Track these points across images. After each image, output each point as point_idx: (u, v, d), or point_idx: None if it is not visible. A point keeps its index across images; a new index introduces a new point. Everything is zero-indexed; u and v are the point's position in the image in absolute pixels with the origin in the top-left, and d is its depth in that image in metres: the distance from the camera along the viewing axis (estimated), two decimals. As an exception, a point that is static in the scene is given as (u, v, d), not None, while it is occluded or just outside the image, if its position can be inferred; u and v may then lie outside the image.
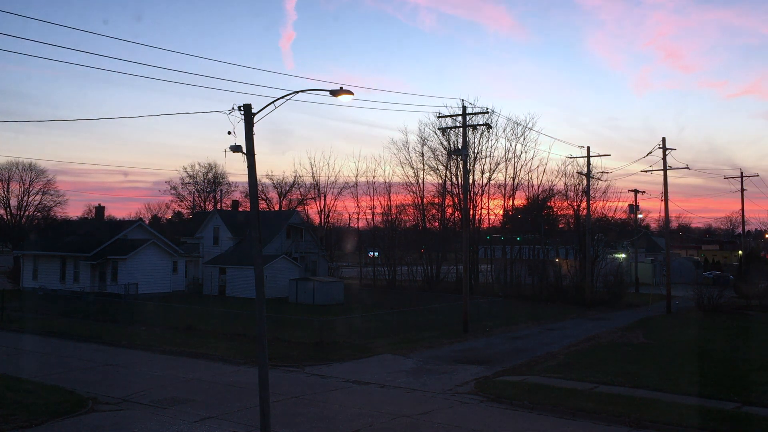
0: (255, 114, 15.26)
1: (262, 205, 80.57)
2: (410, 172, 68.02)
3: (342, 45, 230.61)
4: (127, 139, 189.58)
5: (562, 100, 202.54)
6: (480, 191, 64.65)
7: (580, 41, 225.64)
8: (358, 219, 73.95)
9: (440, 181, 66.79)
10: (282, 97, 15.43)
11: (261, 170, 66.55)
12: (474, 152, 62.31)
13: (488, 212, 68.33)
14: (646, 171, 50.97)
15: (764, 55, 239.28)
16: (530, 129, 64.54)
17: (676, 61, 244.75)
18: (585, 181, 51.76)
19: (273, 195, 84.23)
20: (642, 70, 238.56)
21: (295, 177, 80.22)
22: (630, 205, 67.81)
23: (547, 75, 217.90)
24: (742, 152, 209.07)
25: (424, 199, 68.33)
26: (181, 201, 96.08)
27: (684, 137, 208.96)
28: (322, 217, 72.81)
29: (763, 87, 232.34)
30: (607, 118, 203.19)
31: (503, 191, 65.33)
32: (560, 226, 65.26)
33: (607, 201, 60.35)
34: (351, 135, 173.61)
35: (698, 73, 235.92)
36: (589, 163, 50.59)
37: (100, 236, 54.23)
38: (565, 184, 60.94)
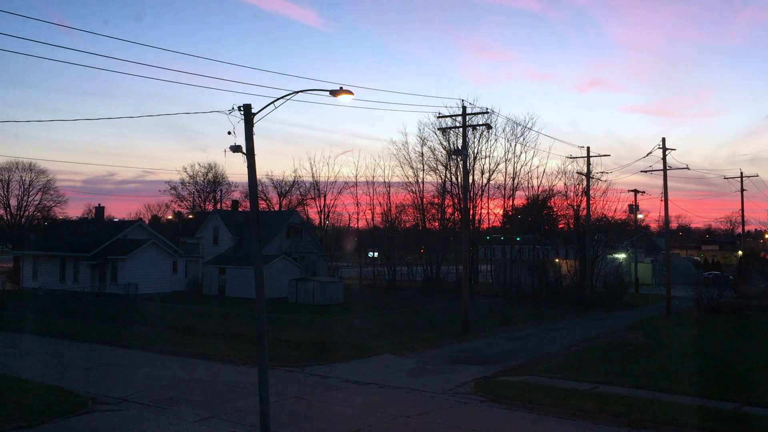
0: (255, 114, 15.27)
1: (262, 205, 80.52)
2: (410, 172, 68.00)
3: (342, 44, 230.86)
4: (128, 139, 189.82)
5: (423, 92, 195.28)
6: (480, 191, 64.66)
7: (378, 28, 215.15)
8: (357, 219, 73.95)
9: (440, 181, 66.85)
10: (282, 97, 15.43)
11: (261, 170, 66.58)
12: (474, 152, 62.31)
13: (488, 212, 68.35)
14: (645, 171, 50.91)
15: (573, 42, 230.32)
16: (530, 129, 64.59)
17: (480, 49, 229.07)
18: (585, 181, 51.77)
19: (273, 195, 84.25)
20: (463, 62, 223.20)
21: (295, 177, 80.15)
22: (630, 206, 67.82)
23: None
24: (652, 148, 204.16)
25: (424, 199, 68.36)
26: (181, 201, 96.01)
27: (584, 134, 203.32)
28: (322, 217, 72.80)
29: (604, 78, 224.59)
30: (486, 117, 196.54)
31: (503, 191, 65.32)
32: (560, 226, 65.21)
33: (606, 201, 60.41)
34: (351, 135, 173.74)
35: (515, 62, 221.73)
36: (588, 163, 50.63)
37: (100, 236, 54.22)
38: (565, 184, 60.84)
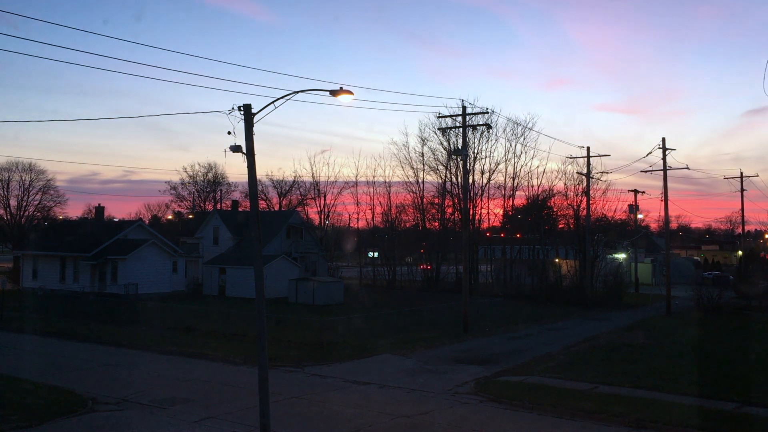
0: (255, 114, 15.27)
1: (262, 205, 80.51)
2: (410, 172, 67.95)
3: (342, 44, 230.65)
4: (127, 138, 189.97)
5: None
6: (480, 191, 64.59)
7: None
8: (357, 219, 73.91)
9: (440, 182, 66.79)
10: (282, 97, 15.44)
11: (261, 171, 66.55)
12: (474, 152, 62.26)
13: (488, 212, 68.29)
14: (645, 171, 50.90)
15: (527, 38, 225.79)
16: (530, 129, 64.52)
17: (426, 45, 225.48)
18: (585, 181, 51.79)
19: (273, 195, 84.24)
20: (419, 59, 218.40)
21: (295, 177, 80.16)
22: (630, 206, 67.83)
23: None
24: (638, 149, 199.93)
25: (424, 199, 68.33)
26: (181, 201, 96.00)
27: (561, 133, 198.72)
28: (322, 217, 72.77)
29: (567, 76, 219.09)
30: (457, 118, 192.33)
31: (503, 191, 65.26)
32: (560, 226, 65.22)
33: (606, 201, 60.41)
34: (351, 135, 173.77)
35: (471, 59, 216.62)
36: (588, 163, 50.66)
37: (100, 236, 54.23)
38: (565, 184, 60.83)
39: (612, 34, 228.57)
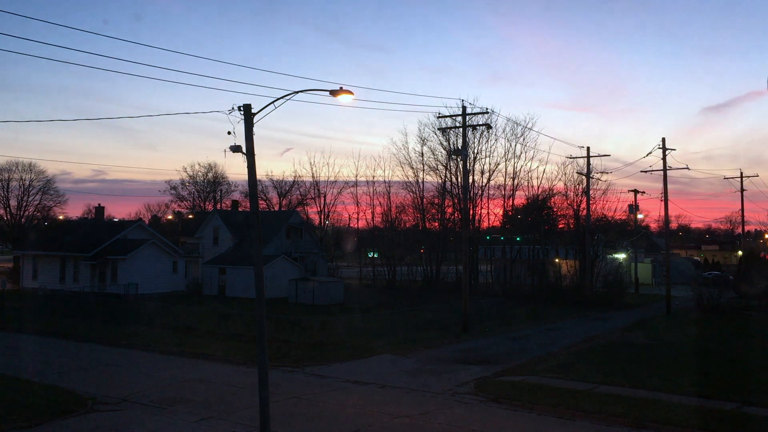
0: (255, 114, 15.27)
1: (262, 205, 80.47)
2: (410, 172, 67.94)
3: (342, 45, 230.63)
4: (127, 138, 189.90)
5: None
6: (480, 191, 64.51)
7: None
8: (357, 219, 73.95)
9: (440, 182, 66.76)
10: (282, 97, 15.44)
11: (261, 171, 66.60)
12: (474, 152, 62.21)
13: (488, 212, 68.21)
14: (645, 171, 50.90)
15: (453, 33, 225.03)
16: (530, 129, 64.51)
17: (378, 47, 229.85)
18: (585, 181, 51.79)
19: (273, 195, 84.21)
20: (334, 54, 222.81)
21: (295, 177, 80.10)
22: (630, 206, 67.81)
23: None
24: (604, 147, 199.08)
25: (424, 200, 68.31)
26: (181, 201, 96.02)
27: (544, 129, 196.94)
28: (322, 217, 72.78)
29: (505, 72, 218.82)
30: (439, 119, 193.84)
31: (503, 191, 65.17)
32: (560, 226, 65.14)
33: (606, 201, 60.35)
34: (351, 135, 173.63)
35: (397, 54, 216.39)
36: (588, 163, 50.67)
37: (100, 236, 54.25)
38: (565, 184, 60.77)
39: (546, 32, 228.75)
